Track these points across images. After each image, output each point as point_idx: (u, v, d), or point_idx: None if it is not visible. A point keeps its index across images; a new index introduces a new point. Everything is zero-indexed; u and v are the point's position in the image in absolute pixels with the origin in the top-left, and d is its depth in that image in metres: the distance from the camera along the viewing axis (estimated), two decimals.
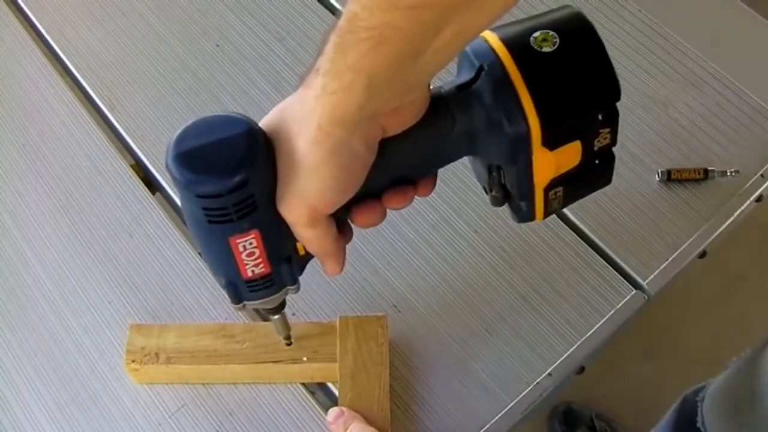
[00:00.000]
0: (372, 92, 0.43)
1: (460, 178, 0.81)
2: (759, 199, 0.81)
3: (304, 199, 0.48)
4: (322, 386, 0.72)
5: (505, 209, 0.58)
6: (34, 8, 0.97)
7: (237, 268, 0.52)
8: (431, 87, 0.50)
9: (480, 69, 0.50)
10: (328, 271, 0.55)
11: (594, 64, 0.50)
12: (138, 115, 0.88)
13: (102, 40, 0.93)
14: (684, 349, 1.58)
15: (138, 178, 0.83)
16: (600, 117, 0.51)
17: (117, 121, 0.88)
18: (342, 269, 0.55)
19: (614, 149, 0.54)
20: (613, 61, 0.51)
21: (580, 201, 0.79)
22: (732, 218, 0.79)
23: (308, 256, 0.54)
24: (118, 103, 0.89)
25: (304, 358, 0.69)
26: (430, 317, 0.74)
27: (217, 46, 0.92)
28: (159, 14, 0.95)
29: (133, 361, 0.69)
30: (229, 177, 0.46)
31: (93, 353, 0.73)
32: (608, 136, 0.52)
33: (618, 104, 0.52)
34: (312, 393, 0.71)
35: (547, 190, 0.54)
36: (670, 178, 0.80)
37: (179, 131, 0.48)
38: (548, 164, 0.52)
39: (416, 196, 0.54)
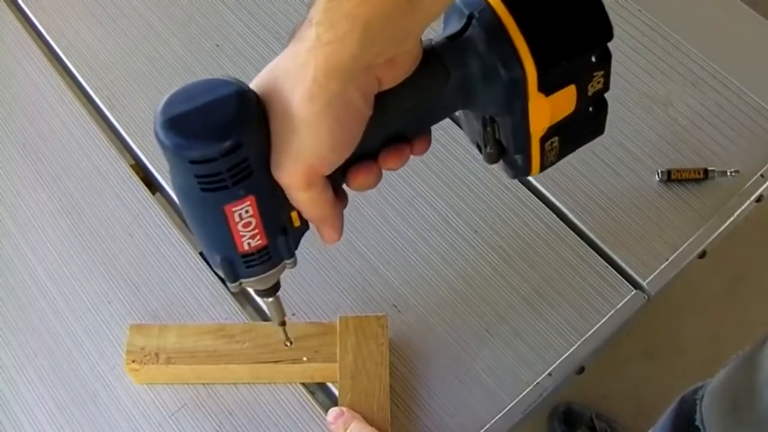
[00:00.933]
0: (367, 41, 0.43)
1: (460, 178, 0.81)
2: (759, 199, 0.81)
3: (300, 158, 0.47)
4: (322, 386, 0.72)
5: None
6: (34, 8, 0.97)
7: (233, 241, 0.50)
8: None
9: (470, 17, 0.50)
10: (326, 239, 0.53)
11: (584, 3, 0.50)
12: (138, 115, 0.88)
13: (102, 40, 0.93)
14: (684, 349, 1.58)
15: (138, 178, 0.83)
16: (593, 59, 0.51)
17: (117, 121, 0.88)
18: (340, 236, 0.53)
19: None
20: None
21: (581, 201, 0.80)
22: (732, 218, 0.79)
23: (304, 227, 0.53)
24: (118, 103, 0.89)
25: (304, 358, 0.69)
26: (430, 317, 0.74)
27: (217, 46, 0.92)
28: (159, 14, 0.95)
29: (133, 361, 0.69)
30: (221, 139, 0.45)
31: (93, 353, 0.73)
32: (602, 80, 0.52)
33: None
34: (312, 393, 0.71)
35: (543, 140, 0.53)
36: (670, 178, 0.80)
37: (165, 98, 0.46)
38: (544, 111, 0.51)
39: (412, 156, 0.53)
